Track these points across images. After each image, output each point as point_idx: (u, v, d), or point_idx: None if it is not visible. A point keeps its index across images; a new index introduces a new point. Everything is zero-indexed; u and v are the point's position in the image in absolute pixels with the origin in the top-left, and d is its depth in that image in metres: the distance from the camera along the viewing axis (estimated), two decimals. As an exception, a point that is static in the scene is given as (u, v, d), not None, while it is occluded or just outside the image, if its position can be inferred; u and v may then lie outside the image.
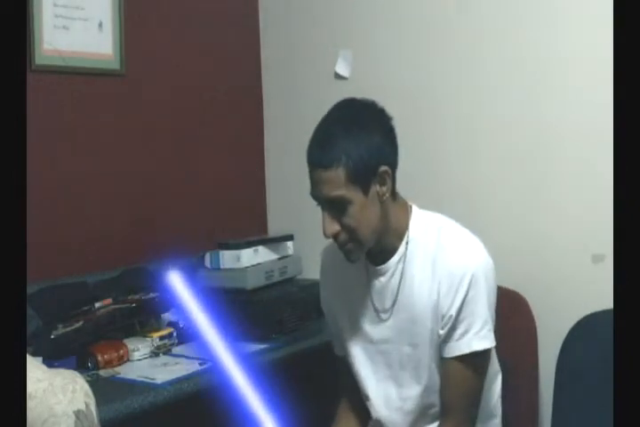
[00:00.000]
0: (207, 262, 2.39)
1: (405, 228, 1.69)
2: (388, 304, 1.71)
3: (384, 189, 1.62)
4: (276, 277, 2.44)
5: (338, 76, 2.66)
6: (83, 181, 2.31)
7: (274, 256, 2.48)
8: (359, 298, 1.76)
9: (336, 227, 1.62)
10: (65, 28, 2.23)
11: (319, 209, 1.65)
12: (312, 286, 2.51)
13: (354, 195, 1.59)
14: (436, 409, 1.74)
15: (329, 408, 2.01)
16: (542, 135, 2.27)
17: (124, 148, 2.42)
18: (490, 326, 1.67)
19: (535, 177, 2.29)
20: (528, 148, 2.30)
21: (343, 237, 1.63)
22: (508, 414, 1.90)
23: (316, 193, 1.63)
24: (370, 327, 1.76)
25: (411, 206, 1.73)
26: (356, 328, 1.78)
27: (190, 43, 2.63)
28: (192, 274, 2.40)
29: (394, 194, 1.68)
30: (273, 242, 2.49)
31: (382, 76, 2.55)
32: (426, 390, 1.72)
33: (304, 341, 2.25)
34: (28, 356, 1.08)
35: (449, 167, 2.42)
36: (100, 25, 2.33)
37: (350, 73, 2.63)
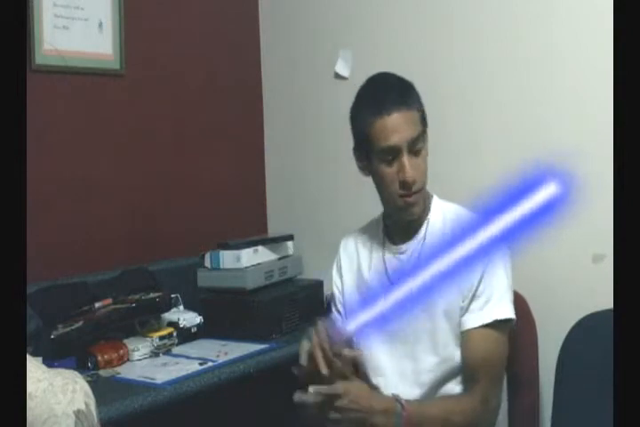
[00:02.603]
0: (207, 262, 2.39)
1: (427, 210, 1.79)
2: (404, 280, 1.76)
3: (426, 145, 1.75)
4: (276, 277, 2.44)
5: (338, 76, 2.66)
6: (82, 181, 2.31)
7: (274, 256, 2.48)
8: (376, 278, 1.82)
9: (416, 172, 1.70)
10: (65, 28, 2.23)
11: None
12: (312, 286, 2.52)
13: (424, 137, 1.73)
14: (452, 385, 1.75)
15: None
16: (543, 134, 2.28)
17: (123, 148, 2.42)
18: (510, 299, 1.73)
19: (535, 177, 2.29)
20: (528, 147, 2.30)
21: (419, 183, 1.72)
22: (508, 414, 1.90)
23: (398, 138, 1.69)
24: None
25: (432, 195, 1.83)
26: (371, 309, 1.80)
27: (190, 43, 2.63)
28: (192, 274, 2.41)
29: None
30: (273, 242, 2.50)
31: (382, 76, 2.55)
32: (442, 362, 1.74)
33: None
34: (28, 356, 1.08)
35: (449, 166, 2.42)
36: (100, 25, 2.33)
37: (350, 73, 2.63)
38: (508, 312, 1.72)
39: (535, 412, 2.01)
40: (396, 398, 1.66)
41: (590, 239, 2.18)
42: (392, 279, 1.78)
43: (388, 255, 1.81)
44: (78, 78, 2.30)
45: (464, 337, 1.72)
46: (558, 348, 1.91)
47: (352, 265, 1.89)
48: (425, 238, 1.77)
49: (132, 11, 2.41)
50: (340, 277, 1.91)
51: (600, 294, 1.85)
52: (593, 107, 2.16)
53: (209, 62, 2.70)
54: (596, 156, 2.15)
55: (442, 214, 1.79)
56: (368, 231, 1.90)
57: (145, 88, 2.49)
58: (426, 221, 1.78)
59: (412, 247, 1.78)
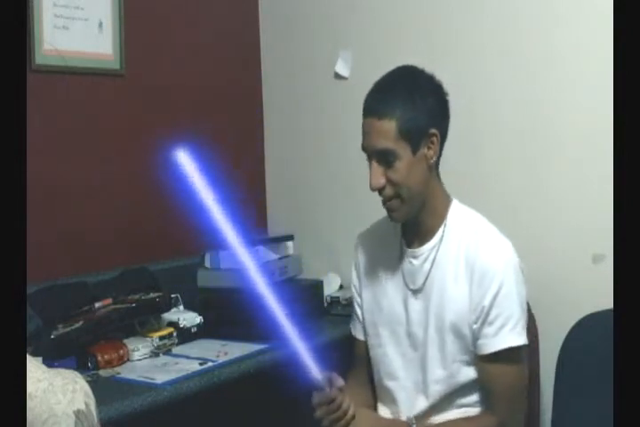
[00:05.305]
0: (207, 262, 2.39)
1: (444, 214, 1.74)
2: (418, 286, 1.75)
3: (431, 152, 1.68)
4: (276, 277, 2.43)
5: (338, 76, 2.66)
6: (82, 181, 2.31)
7: (274, 256, 2.48)
8: (390, 279, 1.80)
9: (382, 180, 1.66)
10: (65, 28, 2.23)
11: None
12: (312, 286, 2.52)
13: (402, 151, 1.64)
14: (463, 401, 1.74)
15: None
16: (543, 135, 2.28)
17: (123, 147, 2.42)
18: (523, 324, 1.70)
19: (535, 177, 2.29)
20: (528, 148, 2.30)
21: (388, 191, 1.67)
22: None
23: (366, 144, 1.68)
24: (399, 309, 1.78)
25: (452, 199, 1.78)
26: (385, 310, 1.81)
27: (190, 43, 2.63)
28: (192, 274, 2.41)
29: (437, 172, 1.74)
30: (273, 242, 2.49)
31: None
32: (450, 376, 1.73)
33: (304, 341, 2.24)
34: (28, 356, 1.08)
35: (450, 167, 2.42)
36: (100, 25, 2.33)
37: (350, 73, 2.63)
38: (521, 340, 1.69)
39: (535, 412, 2.01)
40: (408, 424, 1.70)
41: (590, 239, 2.18)
42: (407, 284, 1.77)
43: (403, 256, 1.78)
44: (78, 78, 2.29)
45: (478, 363, 1.71)
46: (558, 348, 1.91)
47: (368, 264, 1.87)
48: (440, 244, 1.73)
49: (132, 11, 2.41)
50: (359, 279, 1.89)
51: (600, 294, 1.85)
52: (593, 107, 2.16)
53: (209, 62, 2.69)
54: (597, 156, 2.15)
55: (460, 221, 1.74)
56: (384, 228, 1.85)
57: (145, 88, 2.49)
58: (442, 227, 1.73)
59: (425, 253, 1.74)
